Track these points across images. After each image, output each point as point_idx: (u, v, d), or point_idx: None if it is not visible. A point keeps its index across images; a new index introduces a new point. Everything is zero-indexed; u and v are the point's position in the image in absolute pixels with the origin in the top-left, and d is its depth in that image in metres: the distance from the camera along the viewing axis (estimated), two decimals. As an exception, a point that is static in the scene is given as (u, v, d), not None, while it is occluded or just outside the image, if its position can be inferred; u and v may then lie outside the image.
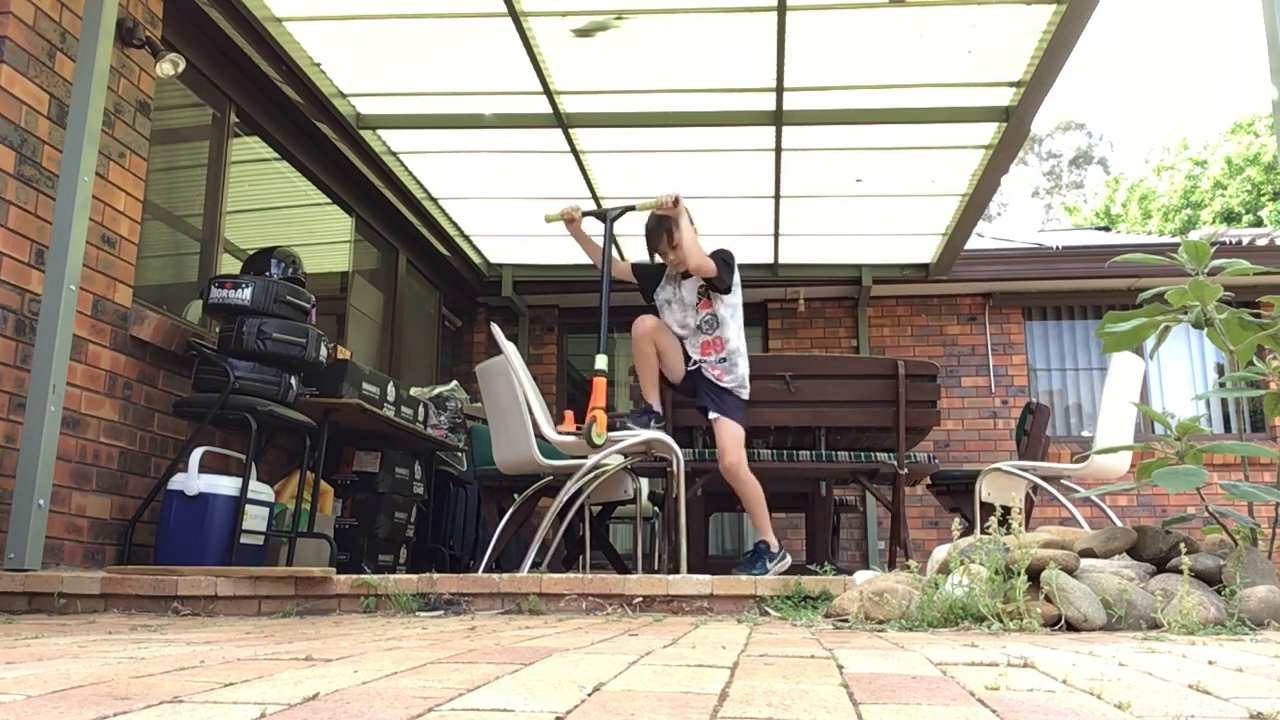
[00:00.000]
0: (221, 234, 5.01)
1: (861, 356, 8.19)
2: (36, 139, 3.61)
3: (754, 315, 8.88)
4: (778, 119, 5.65)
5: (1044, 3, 4.55)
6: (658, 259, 4.18)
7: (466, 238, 7.82)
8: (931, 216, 7.15)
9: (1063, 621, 2.38)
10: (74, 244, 3.40)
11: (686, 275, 4.14)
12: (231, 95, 5.07)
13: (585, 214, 4.13)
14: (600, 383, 3.84)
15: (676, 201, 3.95)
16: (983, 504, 4.53)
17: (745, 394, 4.11)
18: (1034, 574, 2.46)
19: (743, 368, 4.10)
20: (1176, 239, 8.88)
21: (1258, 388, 3.23)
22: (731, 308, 4.11)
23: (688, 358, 4.14)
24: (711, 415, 4.07)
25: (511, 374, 4.31)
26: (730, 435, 4.01)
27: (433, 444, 5.73)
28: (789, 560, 4.01)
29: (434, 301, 8.33)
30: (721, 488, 4.91)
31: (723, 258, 4.04)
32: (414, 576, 3.25)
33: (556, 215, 4.14)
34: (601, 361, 3.89)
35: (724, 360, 4.08)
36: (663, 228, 4.04)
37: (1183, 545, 2.71)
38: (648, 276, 4.29)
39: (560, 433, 3.97)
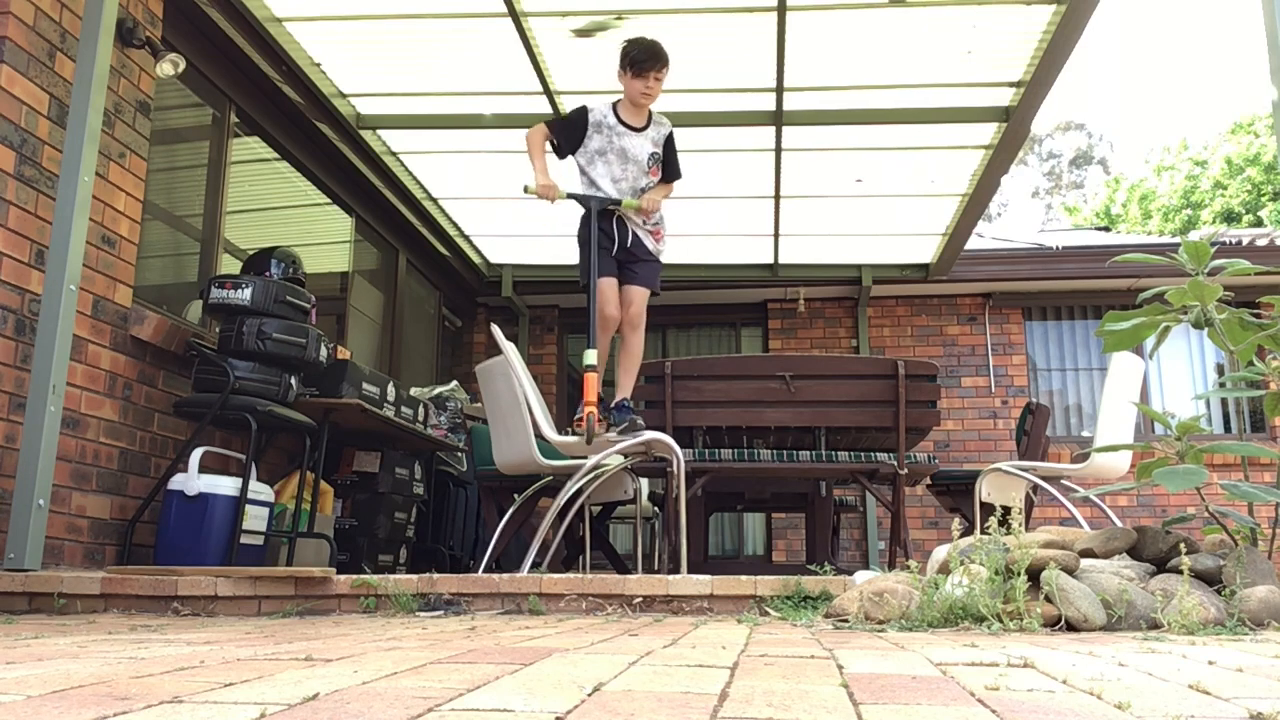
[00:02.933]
0: (221, 234, 5.01)
1: (861, 357, 8.19)
2: (36, 139, 3.61)
3: (754, 315, 8.89)
4: (778, 119, 5.65)
5: (1044, 3, 4.55)
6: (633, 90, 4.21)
7: (466, 238, 7.82)
8: (931, 216, 7.15)
9: (1063, 622, 2.38)
10: (74, 244, 3.40)
11: (640, 129, 4.20)
12: (231, 95, 5.07)
13: (568, 195, 4.12)
14: (592, 378, 3.89)
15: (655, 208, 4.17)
16: (983, 504, 4.53)
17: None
18: (1034, 574, 2.46)
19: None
20: (1176, 239, 8.88)
21: (1258, 388, 3.23)
22: None
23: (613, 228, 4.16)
24: (638, 285, 4.22)
25: (511, 374, 4.31)
26: (644, 297, 4.24)
27: (433, 444, 5.73)
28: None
29: (434, 301, 8.33)
30: (722, 488, 4.92)
31: (670, 153, 4.27)
32: (414, 576, 3.25)
33: (535, 190, 4.06)
34: (591, 356, 3.93)
35: (658, 222, 4.28)
36: (664, 62, 4.12)
37: (1183, 545, 2.71)
38: (569, 127, 4.25)
39: (574, 431, 3.99)
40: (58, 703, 1.14)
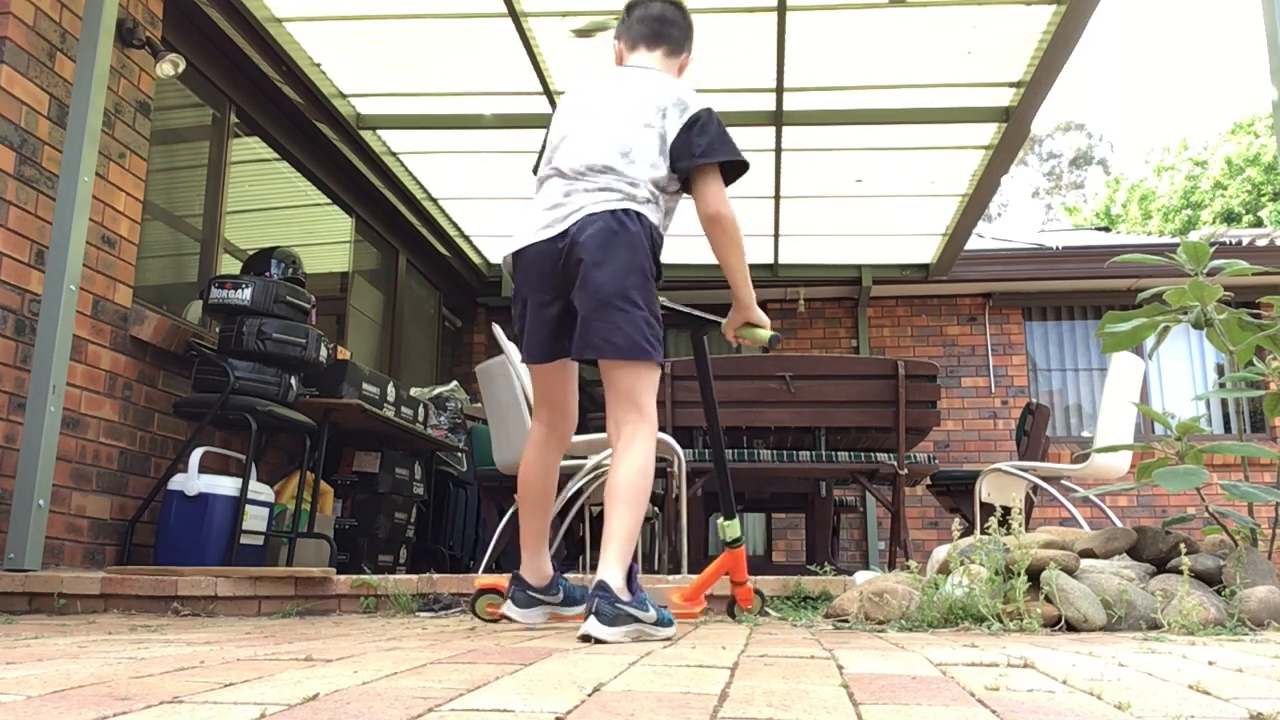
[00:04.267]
0: (221, 234, 5.01)
1: (861, 357, 8.19)
2: (36, 139, 3.61)
3: (754, 315, 8.88)
4: (778, 119, 5.65)
5: (1044, 3, 4.55)
6: None
7: (466, 238, 7.82)
8: (931, 216, 7.15)
9: (1063, 622, 2.38)
10: (74, 244, 3.40)
11: None
12: (231, 95, 5.07)
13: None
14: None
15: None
16: (983, 504, 4.53)
17: None
18: (1034, 574, 2.46)
19: None
20: (1176, 239, 8.88)
21: (1258, 388, 3.23)
22: None
23: None
24: None
25: (512, 374, 4.31)
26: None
27: (433, 444, 5.73)
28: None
29: (434, 301, 8.33)
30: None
31: None
32: (414, 576, 3.25)
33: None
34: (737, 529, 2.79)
35: None
36: None
37: (1183, 545, 2.71)
38: None
39: None
40: (58, 703, 1.14)
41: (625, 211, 2.33)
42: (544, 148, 2.58)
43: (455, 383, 7.08)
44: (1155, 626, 2.39)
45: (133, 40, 4.07)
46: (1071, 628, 2.37)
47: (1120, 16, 43.13)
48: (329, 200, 6.32)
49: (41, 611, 3.01)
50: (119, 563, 3.87)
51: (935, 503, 6.68)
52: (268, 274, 4.27)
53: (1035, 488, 4.67)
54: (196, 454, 3.85)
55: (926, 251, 7.88)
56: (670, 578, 3.23)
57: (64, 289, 3.36)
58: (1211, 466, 2.95)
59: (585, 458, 4.14)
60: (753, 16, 4.73)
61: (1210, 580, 2.60)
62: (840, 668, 1.56)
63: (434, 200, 7.06)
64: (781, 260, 8.03)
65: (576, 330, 2.34)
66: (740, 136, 6.28)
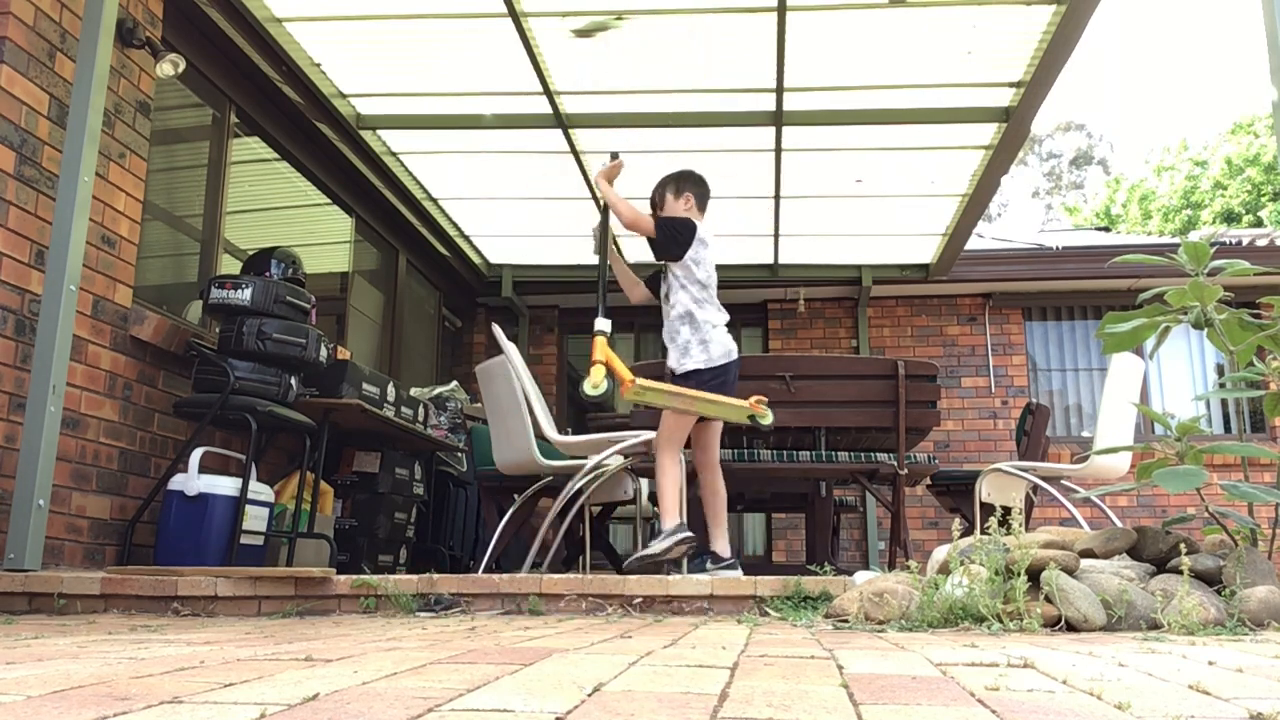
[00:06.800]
0: (221, 234, 5.01)
1: (861, 357, 8.19)
2: (36, 139, 3.61)
3: (754, 315, 8.89)
4: (778, 119, 5.65)
5: (1044, 3, 4.55)
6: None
7: (466, 238, 7.83)
8: (931, 216, 7.15)
9: (1063, 622, 2.38)
10: (74, 244, 3.40)
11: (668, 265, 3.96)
12: (231, 95, 5.07)
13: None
14: (600, 340, 3.77)
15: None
16: (983, 504, 4.53)
17: (705, 366, 3.87)
18: (1034, 574, 2.46)
19: (696, 347, 3.89)
20: (1176, 239, 8.88)
21: (1258, 388, 3.23)
22: (688, 284, 3.93)
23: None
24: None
25: (512, 374, 4.31)
26: (666, 422, 3.84)
27: (433, 444, 5.73)
28: (738, 571, 3.70)
29: (434, 302, 8.33)
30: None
31: (670, 225, 3.92)
32: (414, 577, 3.25)
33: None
34: (602, 324, 3.81)
35: (682, 347, 3.90)
36: (662, 189, 4.10)
37: (1183, 546, 2.71)
38: (653, 280, 4.17)
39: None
40: (58, 703, 1.14)
41: None
42: (698, 247, 3.92)
43: (455, 383, 7.08)
44: (1155, 626, 2.39)
45: (133, 40, 4.07)
46: (1071, 628, 2.37)
47: (1120, 16, 43.14)
48: (329, 200, 6.32)
49: (41, 611, 3.01)
50: (119, 563, 3.87)
51: (935, 503, 6.68)
52: (268, 274, 4.27)
53: (1035, 488, 4.67)
54: (196, 454, 3.85)
55: (926, 251, 7.88)
56: (670, 579, 3.23)
57: (64, 289, 3.35)
58: (1211, 466, 2.95)
59: (585, 458, 4.14)
60: (753, 16, 4.73)
61: (1210, 580, 2.60)
62: (840, 668, 1.56)
63: (434, 200, 7.06)
64: (781, 260, 8.04)
65: None
66: (740, 136, 6.31)
